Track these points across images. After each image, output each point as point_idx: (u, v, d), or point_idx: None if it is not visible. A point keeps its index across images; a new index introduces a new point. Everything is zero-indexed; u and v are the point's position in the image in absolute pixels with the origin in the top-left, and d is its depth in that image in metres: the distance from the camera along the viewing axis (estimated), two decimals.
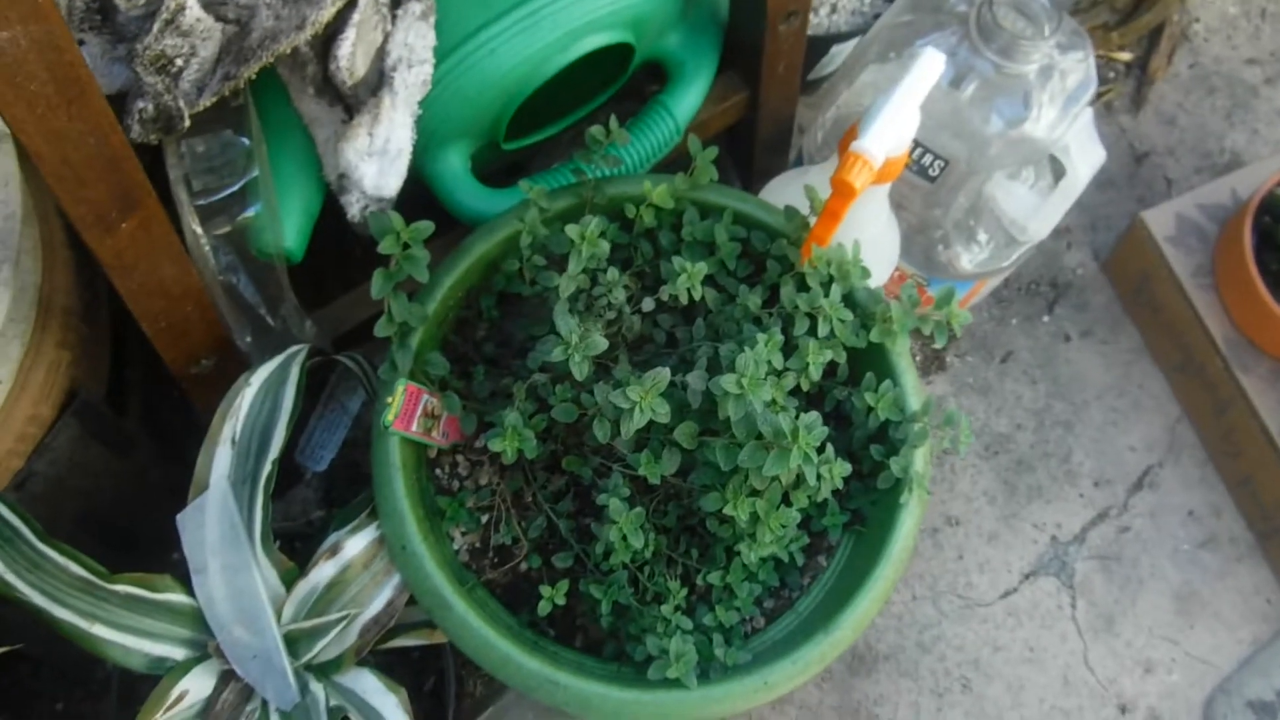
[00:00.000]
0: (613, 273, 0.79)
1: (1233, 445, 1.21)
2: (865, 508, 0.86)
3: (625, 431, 0.73)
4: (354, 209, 0.90)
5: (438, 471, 0.89)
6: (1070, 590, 1.18)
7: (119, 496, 1.00)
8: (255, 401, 0.82)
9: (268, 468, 0.81)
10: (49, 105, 0.59)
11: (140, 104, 0.75)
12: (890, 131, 0.77)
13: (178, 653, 0.80)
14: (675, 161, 1.05)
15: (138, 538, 1.07)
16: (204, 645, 0.80)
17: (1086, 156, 0.98)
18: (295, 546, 0.95)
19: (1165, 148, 1.39)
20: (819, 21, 1.18)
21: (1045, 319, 1.30)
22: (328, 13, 0.74)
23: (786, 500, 0.79)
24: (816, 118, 1.10)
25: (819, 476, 0.75)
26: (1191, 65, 1.43)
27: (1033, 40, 0.89)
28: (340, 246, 1.01)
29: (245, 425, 0.82)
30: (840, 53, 1.26)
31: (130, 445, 0.99)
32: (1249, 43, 1.45)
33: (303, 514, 1.16)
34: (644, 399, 0.72)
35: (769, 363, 0.75)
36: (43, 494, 0.90)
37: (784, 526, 0.78)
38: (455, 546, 0.86)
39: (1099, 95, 1.38)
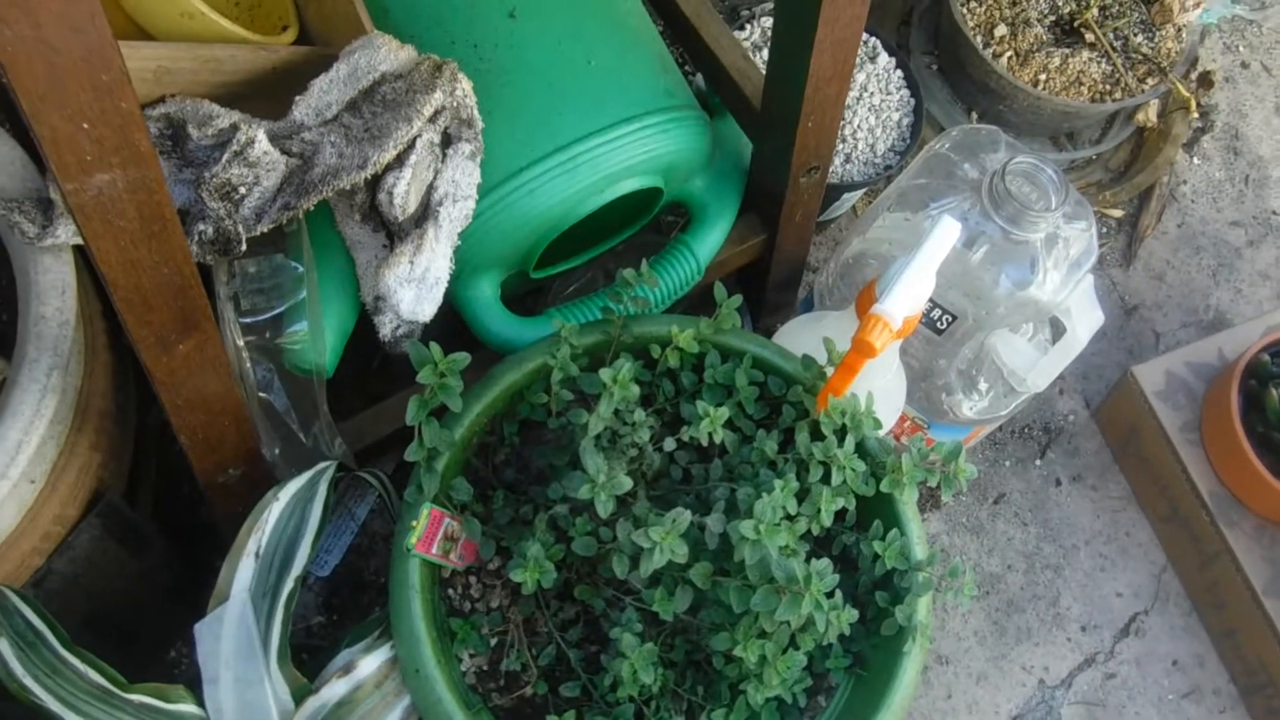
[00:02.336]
0: (639, 414, 0.82)
1: (1217, 598, 1.24)
2: (867, 650, 0.88)
3: (644, 570, 0.76)
4: (386, 329, 0.94)
5: (450, 592, 0.91)
6: None
7: (127, 595, 1.02)
8: (282, 516, 0.84)
9: (290, 584, 0.83)
10: (132, 239, 0.62)
11: (201, 226, 0.79)
12: (909, 295, 0.81)
13: None
14: (695, 295, 1.10)
15: (139, 635, 1.08)
16: None
17: (1086, 319, 1.02)
18: (303, 658, 0.96)
19: (1154, 302, 1.44)
20: (833, 171, 1.23)
21: (1037, 463, 1.34)
22: (389, 155, 0.78)
23: (794, 642, 0.81)
24: (829, 260, 1.15)
25: (828, 623, 0.77)
26: (1179, 225, 1.50)
27: (1040, 211, 0.94)
28: (358, 357, 1.05)
29: (271, 539, 0.84)
30: (851, 198, 1.32)
31: (145, 546, 1.00)
32: (1233, 206, 1.52)
33: (303, 619, 1.17)
34: (664, 540, 0.75)
35: (784, 508, 0.78)
36: (58, 592, 0.92)
37: (789, 669, 0.80)
38: (463, 668, 0.88)
39: None
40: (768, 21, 1.31)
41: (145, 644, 1.10)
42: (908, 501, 0.89)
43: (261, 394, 0.87)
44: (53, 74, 0.51)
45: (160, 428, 1.10)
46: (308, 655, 1.01)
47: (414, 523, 0.82)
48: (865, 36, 1.31)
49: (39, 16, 0.48)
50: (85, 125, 0.53)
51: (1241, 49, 1.63)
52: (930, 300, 1.01)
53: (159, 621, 1.09)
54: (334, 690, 0.84)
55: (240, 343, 0.85)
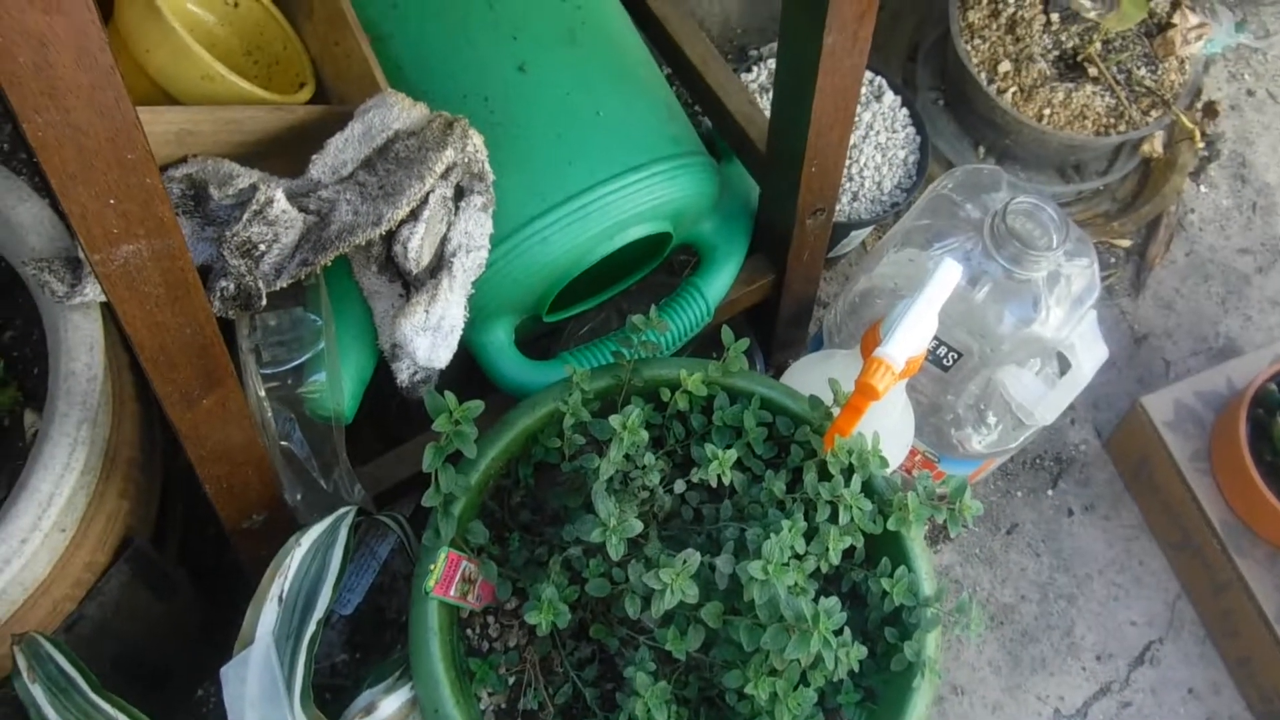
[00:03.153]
0: (649, 458, 0.84)
1: (1231, 625, 1.25)
2: (878, 685, 0.90)
3: (656, 610, 0.78)
4: (403, 375, 0.96)
5: (468, 632, 0.93)
6: None
7: (155, 637, 1.04)
8: (304, 561, 0.87)
9: (312, 627, 0.85)
10: (157, 303, 0.65)
11: (223, 283, 0.82)
12: (911, 338, 0.83)
13: None
14: (705, 332, 1.12)
15: (167, 675, 1.10)
16: None
17: (1090, 354, 1.04)
18: (326, 698, 0.98)
19: (1163, 331, 1.46)
20: (841, 209, 1.26)
21: (1049, 493, 1.35)
22: (402, 212, 0.81)
23: (804, 679, 0.83)
24: (838, 297, 1.17)
25: (837, 659, 0.79)
26: (1188, 253, 1.51)
27: (1041, 250, 0.96)
28: (377, 399, 1.07)
29: (293, 584, 0.86)
30: (860, 235, 1.34)
31: (173, 589, 1.03)
32: (1241, 233, 1.53)
33: (326, 656, 1.19)
34: (675, 581, 0.77)
35: (792, 548, 0.80)
36: (88, 636, 0.94)
37: (800, 706, 0.82)
38: (482, 707, 0.90)
39: (1101, 279, 1.45)
40: (775, 63, 1.33)
41: (173, 684, 1.12)
42: (915, 538, 0.90)
43: (283, 443, 0.89)
44: (81, 155, 0.53)
45: (185, 472, 1.12)
46: (331, 694, 1.03)
47: (432, 566, 0.85)
48: (870, 75, 1.33)
49: (68, 103, 0.51)
50: (112, 201, 0.56)
51: (1247, 77, 1.64)
52: (936, 338, 1.03)
53: (186, 661, 1.12)
54: None
55: (262, 393, 0.87)
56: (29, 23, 0.48)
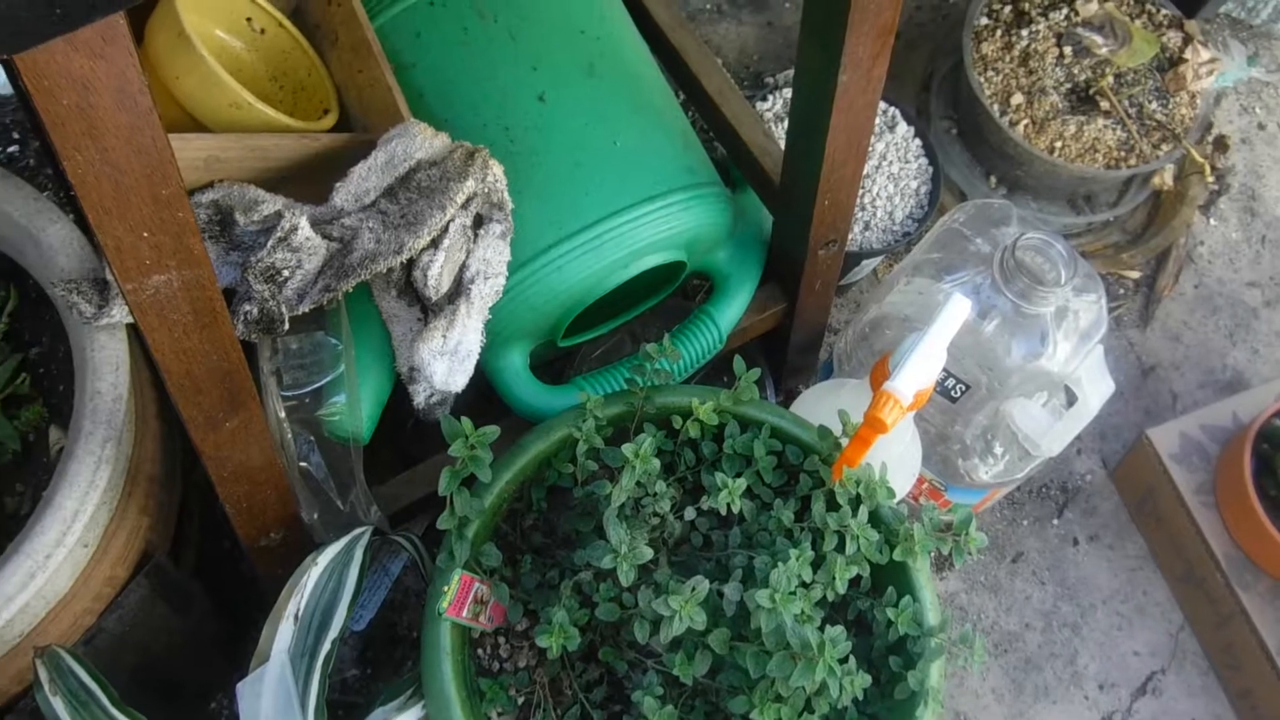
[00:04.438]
0: (660, 486, 0.86)
1: (1233, 658, 1.25)
2: (881, 713, 0.91)
3: (664, 636, 0.80)
4: (420, 398, 0.98)
5: (479, 652, 0.94)
6: None
7: (172, 649, 1.06)
8: (320, 580, 0.89)
9: (327, 646, 0.87)
10: (185, 330, 0.67)
11: (246, 307, 0.84)
12: (919, 372, 0.85)
13: None
14: (717, 357, 1.14)
15: (183, 686, 1.12)
16: None
17: (1097, 388, 1.05)
18: (339, 714, 1.00)
19: (1171, 363, 1.47)
20: (853, 238, 1.27)
21: (1055, 522, 1.36)
22: (424, 241, 0.83)
23: (809, 706, 0.84)
24: (849, 324, 1.19)
25: (841, 688, 0.80)
26: (1196, 285, 1.52)
27: (1050, 286, 0.97)
28: (394, 417, 1.09)
29: (309, 603, 0.88)
30: (871, 264, 1.35)
31: (190, 602, 1.05)
32: (1250, 266, 1.54)
33: (338, 671, 1.21)
34: (684, 608, 0.79)
35: (799, 576, 0.82)
36: (107, 649, 0.96)
37: None
38: None
39: (1109, 310, 1.46)
40: (791, 92, 1.35)
41: (189, 695, 1.14)
42: (921, 569, 0.92)
43: (302, 463, 0.91)
44: (118, 192, 0.55)
45: (203, 487, 1.14)
46: (343, 711, 1.05)
47: (445, 588, 0.86)
48: (884, 106, 1.35)
49: (106, 142, 0.53)
50: (145, 234, 0.58)
51: (1258, 110, 1.65)
52: (944, 370, 1.04)
53: (202, 673, 1.14)
54: None
55: (282, 415, 0.89)
56: (74, 67, 0.50)
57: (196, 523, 1.16)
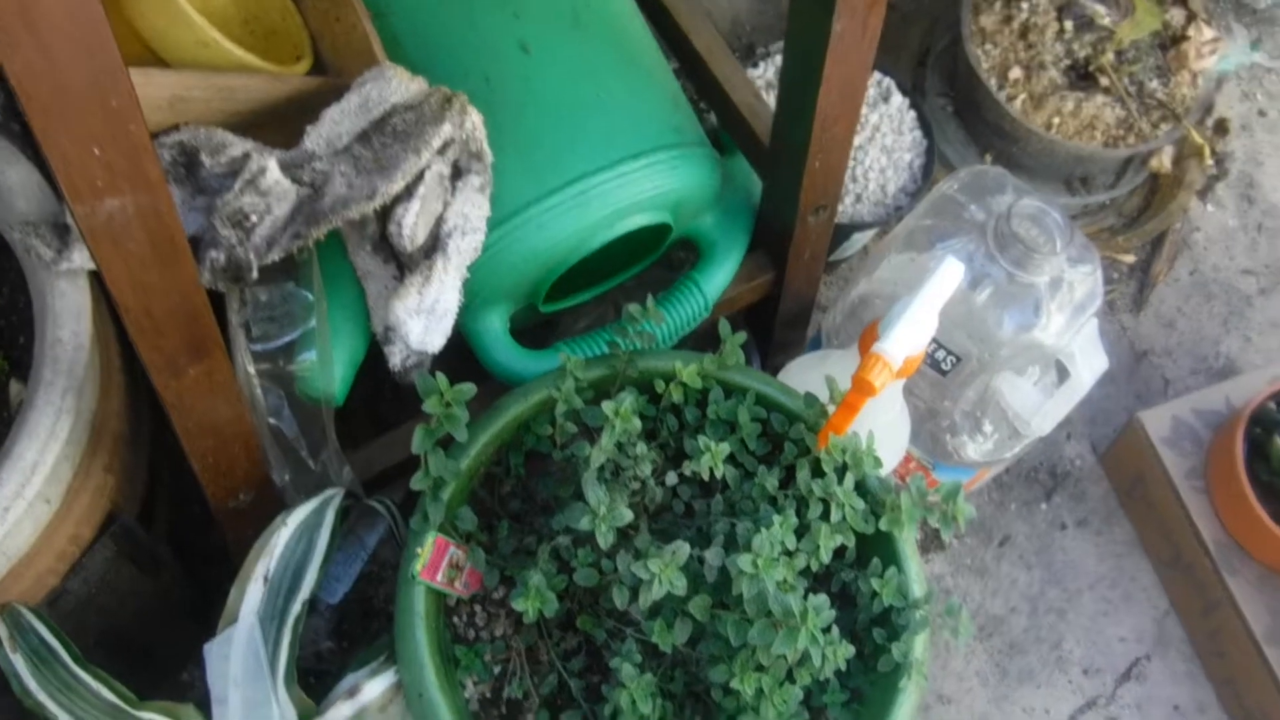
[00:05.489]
0: (641, 448, 0.83)
1: (1218, 645, 1.23)
2: (864, 687, 0.89)
3: (643, 601, 0.77)
4: (396, 359, 0.95)
5: (455, 619, 0.92)
6: None
7: (141, 614, 1.03)
8: (290, 542, 0.86)
9: (297, 607, 0.84)
10: (143, 264, 0.64)
11: (213, 254, 0.81)
12: (910, 335, 0.82)
13: None
14: (702, 330, 1.11)
15: (152, 654, 1.09)
16: None
17: (1090, 363, 1.03)
18: (310, 682, 0.97)
19: (1164, 348, 1.45)
20: (844, 210, 1.25)
21: (1043, 506, 1.34)
22: (397, 186, 0.80)
23: (791, 676, 0.82)
24: (837, 300, 1.16)
25: (824, 657, 0.78)
26: (1191, 272, 1.50)
27: (1045, 254, 0.95)
28: (371, 382, 1.06)
29: (279, 564, 0.85)
30: (861, 238, 1.33)
31: (159, 566, 1.02)
32: (1246, 254, 1.52)
33: (312, 643, 1.18)
34: (663, 572, 0.76)
35: (782, 543, 0.79)
36: (72, 611, 0.93)
37: (786, 703, 0.81)
38: (466, 695, 0.89)
39: (1104, 294, 1.44)
40: (781, 59, 1.33)
41: (158, 662, 1.11)
42: (907, 540, 0.89)
43: (272, 420, 0.88)
44: (62, 96, 0.52)
45: (173, 451, 1.12)
46: (315, 679, 1.02)
47: (419, 550, 0.83)
48: (879, 77, 1.32)
49: (45, 38, 0.50)
50: (96, 150, 0.55)
51: (1259, 97, 1.63)
52: (935, 341, 1.02)
53: (171, 640, 1.11)
54: (339, 713, 0.85)
55: (251, 369, 0.86)
56: None
57: (167, 488, 1.13)
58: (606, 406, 0.81)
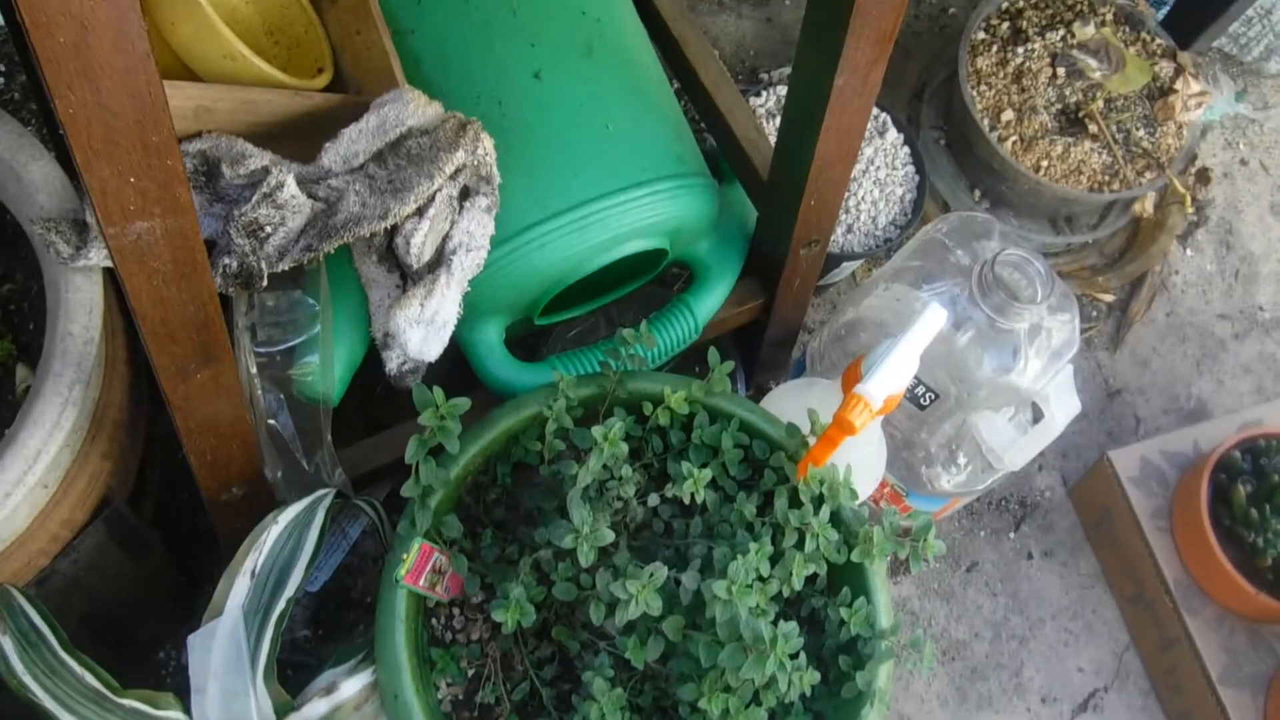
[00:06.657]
0: (627, 471, 0.86)
1: (1175, 681, 1.28)
2: (828, 711, 0.92)
3: (619, 619, 0.80)
4: (393, 365, 0.98)
5: (433, 621, 0.95)
6: None
7: (124, 597, 1.05)
8: (280, 539, 0.88)
9: (282, 604, 0.87)
10: (164, 280, 0.66)
11: (226, 260, 0.83)
12: (892, 377, 0.86)
13: None
14: (691, 346, 1.14)
15: (132, 634, 1.12)
16: None
17: (1064, 406, 1.06)
18: (288, 673, 1.00)
19: (1137, 387, 1.49)
20: (835, 240, 1.28)
21: (1011, 535, 1.37)
22: (409, 208, 0.83)
23: (757, 698, 0.85)
24: (823, 325, 1.20)
25: (790, 682, 0.81)
26: (1168, 313, 1.54)
27: (1026, 303, 0.98)
28: (364, 381, 1.09)
29: (267, 560, 0.88)
30: (850, 267, 1.36)
31: (146, 551, 1.04)
32: (1222, 299, 1.56)
33: (289, 631, 1.21)
34: (641, 593, 0.79)
35: (757, 570, 0.82)
36: (58, 590, 0.96)
37: None
38: (440, 696, 0.92)
39: (1081, 332, 1.48)
40: (784, 89, 1.36)
41: (137, 643, 1.13)
42: (877, 571, 0.93)
43: (270, 420, 0.91)
44: (108, 135, 0.55)
45: (165, 437, 1.14)
46: (292, 670, 1.05)
47: (404, 555, 0.86)
48: (876, 111, 1.35)
49: (101, 84, 0.53)
50: (132, 179, 0.58)
51: (1242, 146, 1.67)
52: (915, 378, 1.05)
53: (151, 622, 1.13)
54: (315, 709, 0.87)
55: (254, 370, 0.89)
56: (73, 5, 0.49)
57: (157, 473, 1.16)
58: (596, 431, 0.84)
